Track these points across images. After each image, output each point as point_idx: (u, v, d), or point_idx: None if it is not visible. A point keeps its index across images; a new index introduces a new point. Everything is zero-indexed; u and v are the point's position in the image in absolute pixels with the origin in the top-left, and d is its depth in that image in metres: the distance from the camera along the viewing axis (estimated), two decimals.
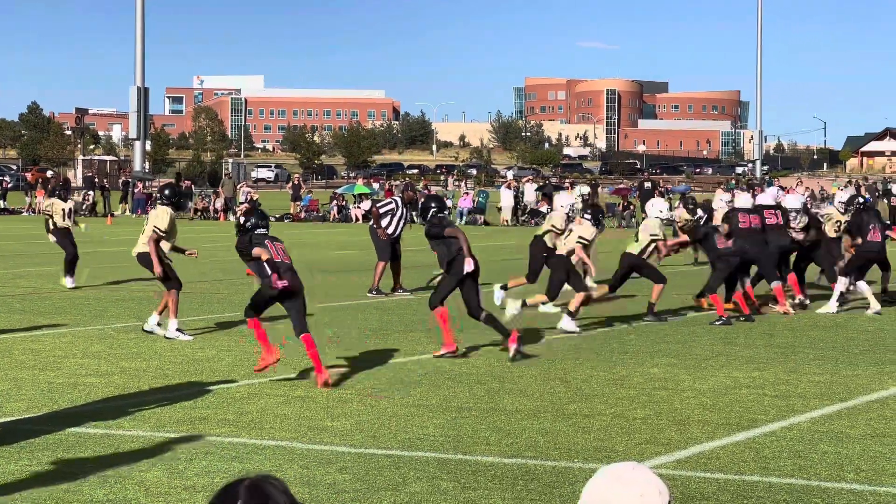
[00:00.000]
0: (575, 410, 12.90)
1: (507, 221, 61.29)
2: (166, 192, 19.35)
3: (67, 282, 25.05)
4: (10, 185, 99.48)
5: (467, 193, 67.79)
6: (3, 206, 70.09)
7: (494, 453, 10.88)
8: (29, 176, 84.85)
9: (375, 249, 24.71)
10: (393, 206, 24.94)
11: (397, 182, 76.13)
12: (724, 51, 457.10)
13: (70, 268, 25.27)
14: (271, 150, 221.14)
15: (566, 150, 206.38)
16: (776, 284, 22.07)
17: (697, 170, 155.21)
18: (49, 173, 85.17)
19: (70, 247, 25.49)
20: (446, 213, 16.92)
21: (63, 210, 26.07)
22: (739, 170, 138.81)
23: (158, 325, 17.89)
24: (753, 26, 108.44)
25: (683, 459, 10.80)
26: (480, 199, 65.34)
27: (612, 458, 10.33)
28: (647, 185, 60.62)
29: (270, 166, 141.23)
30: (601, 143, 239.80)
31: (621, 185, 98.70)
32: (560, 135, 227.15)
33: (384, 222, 24.55)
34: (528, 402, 13.35)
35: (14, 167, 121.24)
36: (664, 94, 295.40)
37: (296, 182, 70.84)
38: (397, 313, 21.38)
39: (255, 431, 11.67)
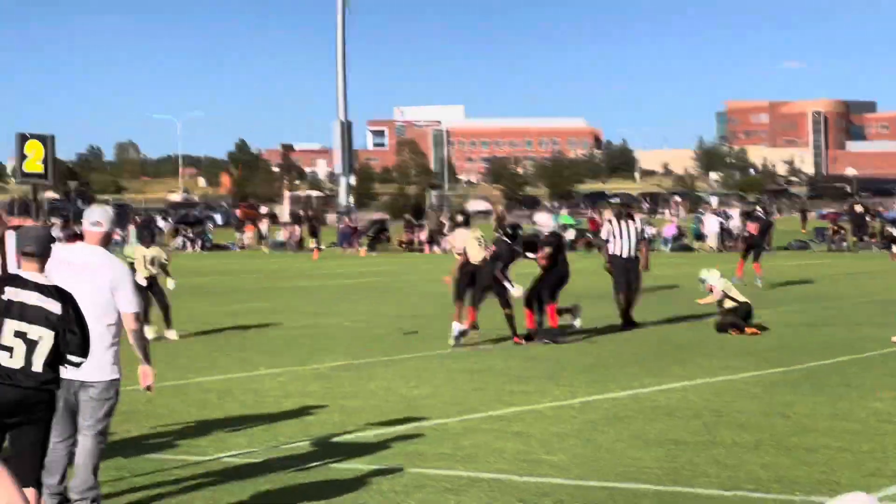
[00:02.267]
0: (796, 443, 12.66)
1: (712, 248, 60.71)
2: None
3: (168, 334, 23.24)
4: (221, 223, 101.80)
5: (672, 221, 67.30)
6: (212, 243, 71.76)
7: (713, 486, 10.75)
8: (238, 212, 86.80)
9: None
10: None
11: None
12: None
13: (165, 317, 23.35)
14: (474, 182, 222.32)
15: (780, 173, 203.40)
16: None
17: None
18: (263, 210, 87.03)
19: (156, 297, 23.39)
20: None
21: (144, 257, 23.54)
22: None
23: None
24: None
25: None
26: (693, 226, 65.08)
27: (836, 492, 10.09)
28: (858, 208, 59.40)
29: (485, 198, 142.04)
30: (808, 168, 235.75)
31: (831, 210, 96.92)
32: (765, 160, 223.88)
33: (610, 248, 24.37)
34: (747, 435, 13.14)
35: (224, 204, 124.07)
36: (872, 114, 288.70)
37: (499, 214, 71.18)
38: (611, 347, 21.26)
39: (470, 465, 11.72)
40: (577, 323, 22.39)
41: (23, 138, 10.39)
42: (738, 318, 22.67)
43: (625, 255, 24.04)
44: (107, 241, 9.80)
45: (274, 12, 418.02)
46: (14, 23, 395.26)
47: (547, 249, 21.93)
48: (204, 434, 13.44)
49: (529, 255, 22.02)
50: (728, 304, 23.04)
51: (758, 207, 51.32)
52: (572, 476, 11.20)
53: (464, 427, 13.75)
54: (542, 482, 10.97)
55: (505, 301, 21.56)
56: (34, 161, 10.37)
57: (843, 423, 13.80)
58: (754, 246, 36.73)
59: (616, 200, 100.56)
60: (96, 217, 9.81)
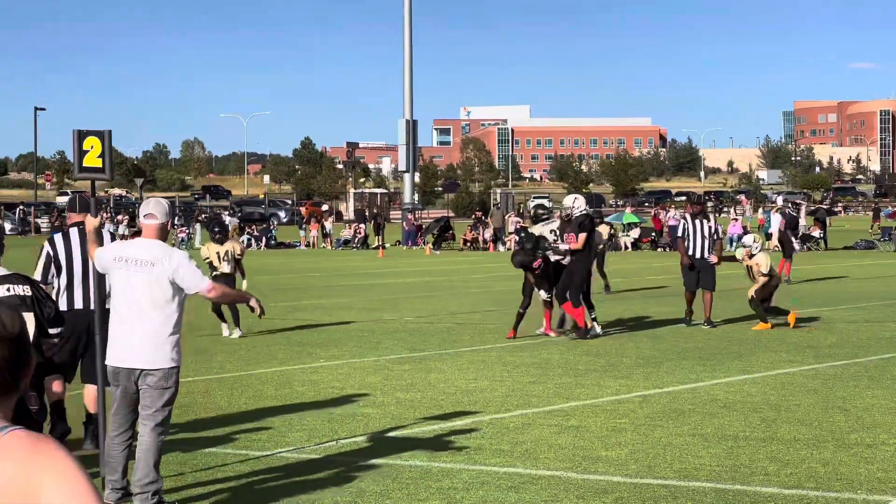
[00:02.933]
0: (856, 440, 12.55)
1: (776, 247, 60.23)
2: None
3: (232, 332, 22.46)
4: (285, 220, 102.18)
5: (736, 220, 66.89)
6: (276, 240, 72.04)
7: (773, 483, 10.66)
8: (303, 210, 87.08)
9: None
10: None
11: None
12: None
13: (233, 316, 22.72)
14: (539, 179, 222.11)
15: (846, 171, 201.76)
16: None
17: None
18: (324, 207, 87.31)
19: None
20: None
21: (218, 254, 22.90)
22: None
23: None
24: None
25: None
26: (765, 224, 64.77)
27: None
28: None
29: (547, 196, 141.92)
30: (874, 166, 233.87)
31: None
32: (831, 158, 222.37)
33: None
34: (807, 431, 13.04)
35: (289, 202, 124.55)
36: None
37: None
38: (669, 341, 21.18)
39: (529, 461, 11.69)
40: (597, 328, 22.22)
41: (81, 134, 10.44)
42: (764, 309, 22.74)
43: (697, 254, 23.85)
44: (163, 233, 9.86)
45: (343, 11, 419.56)
46: (85, 23, 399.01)
47: (582, 236, 21.60)
48: (263, 428, 13.48)
49: (561, 246, 21.65)
50: (760, 278, 22.94)
51: (788, 202, 50.89)
52: (631, 473, 11.15)
53: (522, 422, 13.72)
54: (601, 479, 10.92)
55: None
56: (93, 156, 10.41)
57: None
58: (783, 242, 36.61)
59: (683, 199, 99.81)
60: (150, 209, 9.88)
